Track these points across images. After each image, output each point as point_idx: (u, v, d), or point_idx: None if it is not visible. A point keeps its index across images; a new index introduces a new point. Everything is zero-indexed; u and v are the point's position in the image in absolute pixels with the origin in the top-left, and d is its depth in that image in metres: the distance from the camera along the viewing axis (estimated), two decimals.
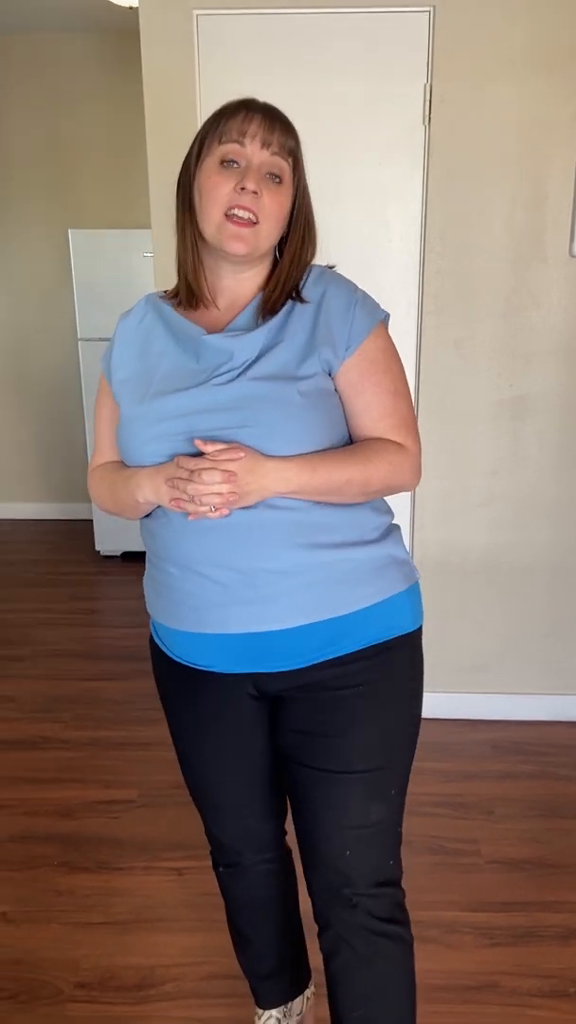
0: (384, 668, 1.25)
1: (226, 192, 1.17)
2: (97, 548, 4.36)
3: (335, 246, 2.07)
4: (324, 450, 1.19)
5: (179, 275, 1.28)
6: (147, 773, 2.50)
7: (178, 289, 1.29)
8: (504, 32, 2.28)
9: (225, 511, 1.13)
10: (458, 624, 2.72)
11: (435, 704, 2.65)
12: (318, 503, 1.19)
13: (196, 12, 2.30)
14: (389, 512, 1.31)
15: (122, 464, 1.30)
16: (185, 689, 1.34)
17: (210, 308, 1.27)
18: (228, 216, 1.17)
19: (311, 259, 1.28)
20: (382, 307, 1.28)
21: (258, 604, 1.19)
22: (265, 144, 1.18)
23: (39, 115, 4.34)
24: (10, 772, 2.53)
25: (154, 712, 1.27)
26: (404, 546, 1.33)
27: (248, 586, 1.18)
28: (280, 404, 1.16)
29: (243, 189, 1.16)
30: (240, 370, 1.18)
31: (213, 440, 1.13)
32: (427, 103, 2.33)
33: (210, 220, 1.19)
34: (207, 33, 2.32)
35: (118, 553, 4.37)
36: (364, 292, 1.27)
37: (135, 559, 4.31)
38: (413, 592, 1.30)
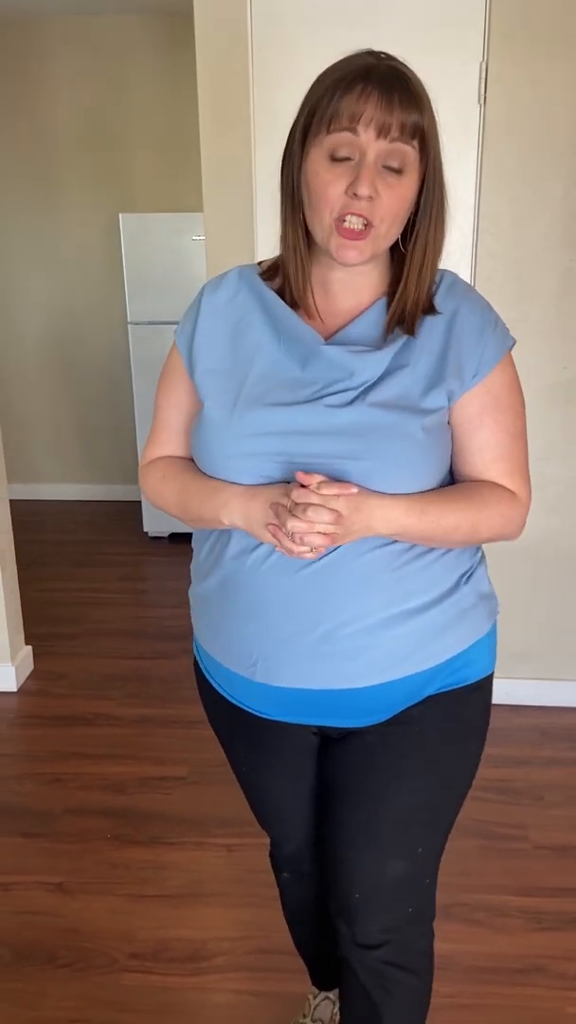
0: (446, 723, 1.16)
1: (337, 195, 1.00)
2: (145, 529, 4.41)
3: None
4: (431, 490, 1.08)
5: (282, 273, 1.12)
6: (196, 751, 2.54)
7: (276, 272, 1.13)
8: (562, 11, 2.23)
9: (321, 550, 1.02)
10: (506, 609, 2.70)
11: None
12: (415, 546, 1.09)
13: None
14: (479, 550, 1.21)
15: (191, 464, 1.17)
16: (241, 730, 1.26)
17: (315, 298, 1.11)
18: (339, 222, 1.01)
19: (440, 253, 1.09)
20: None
21: (336, 660, 1.09)
22: (382, 131, 0.98)
23: (91, 99, 4.36)
24: (64, 747, 2.59)
25: None
26: (487, 575, 1.22)
27: (326, 640, 1.08)
28: (401, 438, 1.04)
29: (356, 195, 0.99)
30: (358, 392, 1.05)
31: (315, 472, 1.00)
32: (483, 82, 2.30)
33: (320, 223, 1.03)
34: (260, 13, 2.31)
35: (166, 535, 4.42)
36: (496, 314, 1.13)
37: (182, 540, 4.35)
38: (493, 630, 1.21)
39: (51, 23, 4.27)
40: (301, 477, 0.98)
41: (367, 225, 1.01)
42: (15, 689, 2.90)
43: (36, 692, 2.92)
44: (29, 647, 3.05)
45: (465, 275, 2.46)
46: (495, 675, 1.24)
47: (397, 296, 1.08)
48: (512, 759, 2.50)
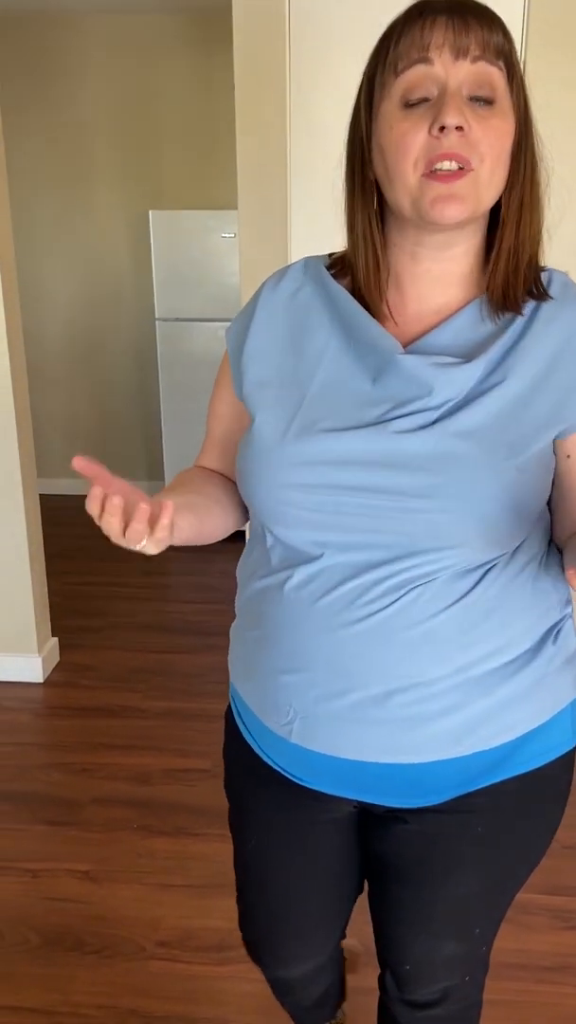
0: (520, 806, 1.00)
1: (419, 142, 0.81)
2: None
3: None
4: None
5: (353, 273, 0.94)
6: (219, 744, 2.53)
7: (346, 267, 0.95)
8: None
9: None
10: None
11: None
12: (493, 596, 0.91)
13: None
14: (571, 600, 1.02)
15: (199, 476, 1.06)
16: (264, 789, 1.07)
17: (391, 300, 0.93)
18: (430, 174, 0.82)
19: (541, 212, 0.90)
20: None
21: (388, 728, 0.92)
22: (460, 52, 0.80)
23: (124, 96, 4.39)
24: (91, 738, 2.61)
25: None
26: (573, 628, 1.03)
27: (378, 704, 0.91)
28: (487, 478, 0.85)
29: (442, 129, 0.79)
30: (438, 414, 0.86)
31: (378, 513, 0.86)
32: None
33: (404, 185, 0.83)
34: (299, 10, 2.32)
35: None
36: None
37: None
38: None
39: (88, 21, 4.30)
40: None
41: (464, 168, 0.81)
42: (42, 680, 2.93)
43: (62, 683, 2.94)
44: (55, 639, 3.07)
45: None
46: None
47: (491, 266, 0.89)
48: None
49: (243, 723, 1.09)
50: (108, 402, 4.96)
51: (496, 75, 0.82)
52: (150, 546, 0.82)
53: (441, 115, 0.79)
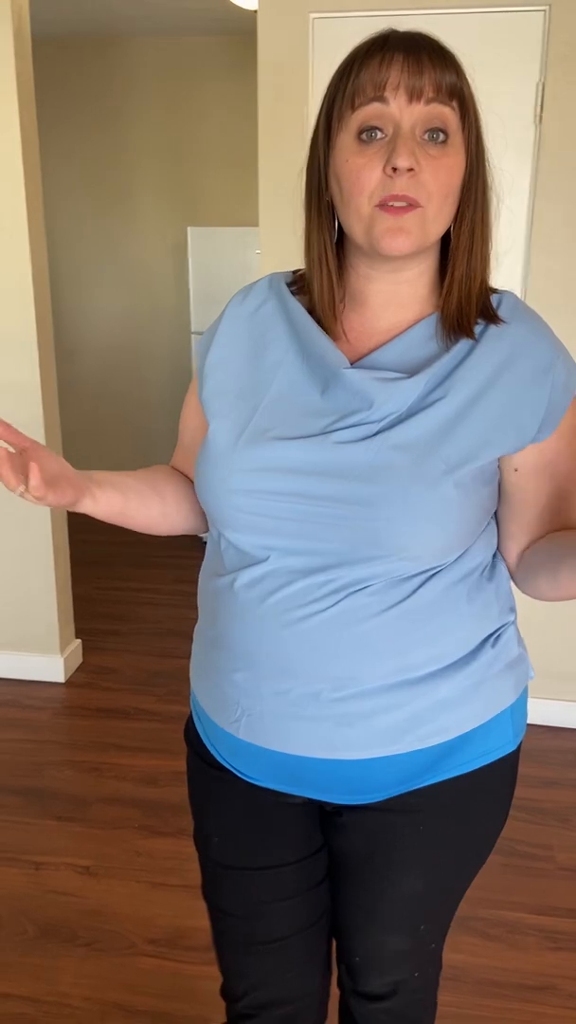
0: (461, 807, 1.03)
1: (374, 179, 0.85)
2: (201, 535, 4.51)
3: None
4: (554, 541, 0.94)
5: (308, 293, 0.97)
6: None
7: (306, 287, 0.98)
8: None
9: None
10: (545, 630, 2.68)
11: None
12: (434, 601, 0.94)
13: (312, 15, 2.37)
14: (514, 608, 1.06)
15: (149, 471, 1.10)
16: (219, 793, 1.10)
17: (349, 316, 0.97)
18: (382, 205, 0.86)
19: (490, 238, 0.95)
20: None
21: (328, 725, 0.96)
22: (414, 94, 0.84)
23: (163, 116, 4.51)
24: (104, 738, 2.68)
25: None
26: (518, 634, 1.07)
27: (318, 701, 0.95)
28: (423, 488, 0.88)
29: (395, 170, 0.84)
30: (378, 427, 0.90)
31: (322, 518, 0.89)
32: (539, 102, 2.31)
33: (358, 215, 0.88)
34: (322, 36, 2.38)
35: None
36: (559, 340, 0.95)
37: None
38: (520, 702, 1.05)
39: (134, 44, 4.44)
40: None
41: (411, 205, 0.86)
42: (63, 680, 3.01)
43: (83, 684, 3.02)
44: (79, 641, 3.15)
45: (517, 293, 2.47)
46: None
47: (444, 292, 0.93)
48: (543, 779, 2.47)
49: (200, 724, 1.12)
50: (142, 414, 5.07)
51: (448, 114, 0.86)
52: (29, 497, 0.86)
53: (393, 156, 0.84)
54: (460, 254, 0.92)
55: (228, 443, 0.96)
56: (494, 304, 0.95)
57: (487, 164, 0.93)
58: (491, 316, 0.94)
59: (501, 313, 0.94)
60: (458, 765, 1.00)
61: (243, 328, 1.01)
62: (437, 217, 0.88)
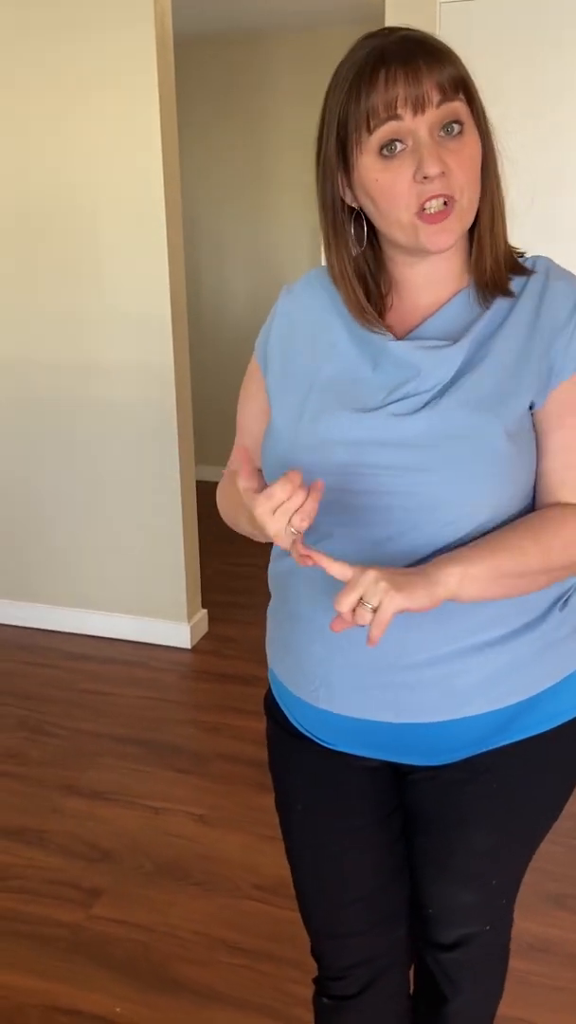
0: (533, 767, 1.06)
1: (406, 189, 0.91)
2: None
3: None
4: (496, 535, 0.94)
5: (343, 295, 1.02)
6: None
7: None
8: None
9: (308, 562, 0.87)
10: None
11: None
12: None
13: (440, 2, 2.40)
14: None
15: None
16: (300, 761, 1.14)
17: (391, 300, 1.03)
18: (420, 214, 0.92)
19: (504, 208, 1.00)
20: None
21: (402, 691, 1.00)
22: (421, 104, 0.89)
23: (300, 107, 4.60)
24: (224, 701, 2.84)
25: None
26: None
27: (392, 669, 0.99)
28: (480, 448, 0.93)
29: (426, 178, 0.90)
30: (431, 395, 0.95)
31: (383, 485, 0.92)
32: None
33: (400, 225, 0.94)
34: (449, 22, 2.40)
35: None
36: None
37: None
38: None
39: (270, 39, 4.56)
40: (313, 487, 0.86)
41: (447, 203, 0.92)
42: (189, 647, 3.20)
43: (208, 651, 3.19)
44: (205, 610, 3.33)
45: None
46: None
47: (473, 261, 0.99)
48: None
49: (279, 699, 1.16)
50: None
51: (459, 107, 0.92)
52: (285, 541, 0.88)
53: (423, 166, 0.89)
54: (484, 224, 0.98)
55: (289, 423, 1.01)
56: (529, 266, 1.01)
57: (493, 138, 0.98)
58: (522, 270, 1.00)
59: (539, 272, 1.00)
60: (529, 727, 1.04)
61: (296, 317, 1.08)
62: (471, 203, 0.94)
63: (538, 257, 1.03)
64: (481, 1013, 1.28)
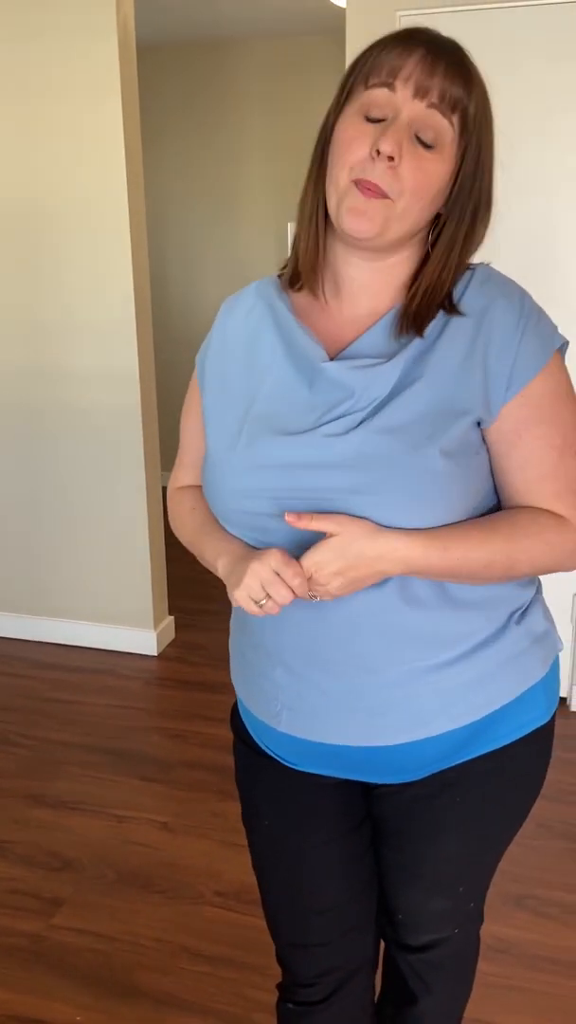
0: (497, 779, 1.07)
1: (359, 153, 0.89)
2: None
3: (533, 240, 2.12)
4: (460, 521, 0.94)
5: (292, 257, 1.03)
6: None
7: (295, 278, 1.03)
8: None
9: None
10: None
11: None
12: (446, 591, 0.97)
13: (399, 13, 2.43)
14: (536, 582, 1.07)
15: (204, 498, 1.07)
16: (266, 780, 1.14)
17: (330, 303, 1.01)
18: (357, 180, 0.90)
19: (471, 255, 0.98)
20: (559, 331, 0.98)
21: (363, 715, 1.00)
22: (421, 92, 0.88)
23: (265, 115, 4.63)
24: (190, 709, 2.83)
25: None
26: (545, 608, 1.08)
27: (352, 693, 0.99)
28: (413, 469, 0.90)
29: (378, 152, 0.87)
30: (363, 415, 0.92)
31: (315, 512, 0.90)
32: None
33: (335, 186, 0.91)
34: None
35: None
36: (538, 308, 0.97)
37: None
38: (551, 675, 1.07)
39: (236, 47, 4.58)
40: (289, 519, 0.90)
41: (380, 196, 0.89)
42: (156, 653, 3.19)
43: (174, 658, 3.19)
44: (171, 617, 3.33)
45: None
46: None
47: (409, 293, 0.96)
48: None
49: (245, 719, 1.16)
50: None
51: (444, 126, 0.90)
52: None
53: (380, 140, 0.88)
54: (435, 262, 0.96)
55: (227, 446, 1.00)
56: (466, 279, 0.97)
57: (488, 190, 0.95)
58: (452, 309, 0.95)
59: (473, 285, 0.96)
60: (492, 740, 1.04)
61: (233, 336, 1.06)
62: (404, 215, 0.91)
63: (478, 265, 1.00)
64: (449, 1012, 1.29)
